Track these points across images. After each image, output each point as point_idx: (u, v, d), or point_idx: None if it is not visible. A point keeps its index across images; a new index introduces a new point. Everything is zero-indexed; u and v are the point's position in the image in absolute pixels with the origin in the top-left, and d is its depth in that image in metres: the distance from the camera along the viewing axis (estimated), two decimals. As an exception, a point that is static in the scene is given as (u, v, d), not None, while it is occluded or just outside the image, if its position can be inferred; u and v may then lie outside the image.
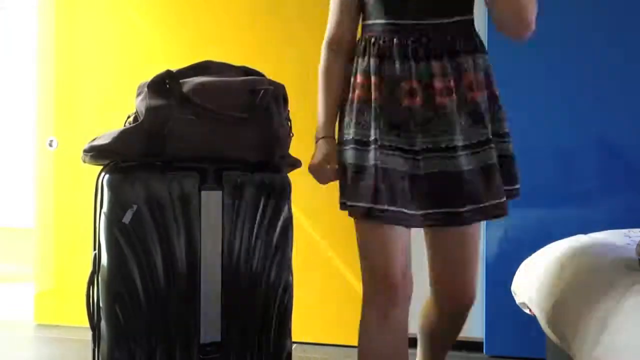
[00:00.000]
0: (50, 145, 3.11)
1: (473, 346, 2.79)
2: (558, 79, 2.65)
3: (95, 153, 1.57)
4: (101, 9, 3.09)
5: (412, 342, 2.83)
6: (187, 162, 1.60)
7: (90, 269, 1.59)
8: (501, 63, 2.68)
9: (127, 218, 1.51)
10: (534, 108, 2.66)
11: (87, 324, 1.60)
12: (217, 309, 1.62)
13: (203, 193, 1.60)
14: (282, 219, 1.70)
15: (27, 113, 4.29)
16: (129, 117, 1.67)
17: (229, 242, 1.63)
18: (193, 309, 1.59)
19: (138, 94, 1.63)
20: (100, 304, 1.55)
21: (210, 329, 1.61)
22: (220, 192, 1.62)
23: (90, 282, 1.59)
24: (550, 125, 2.66)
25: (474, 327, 2.81)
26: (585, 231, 1.98)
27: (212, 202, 1.61)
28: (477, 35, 1.54)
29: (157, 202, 1.54)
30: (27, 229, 3.85)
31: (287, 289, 1.72)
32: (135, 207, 1.52)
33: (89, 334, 1.62)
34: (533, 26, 1.43)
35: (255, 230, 1.66)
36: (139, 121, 1.57)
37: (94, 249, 1.59)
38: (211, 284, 1.61)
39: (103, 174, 1.58)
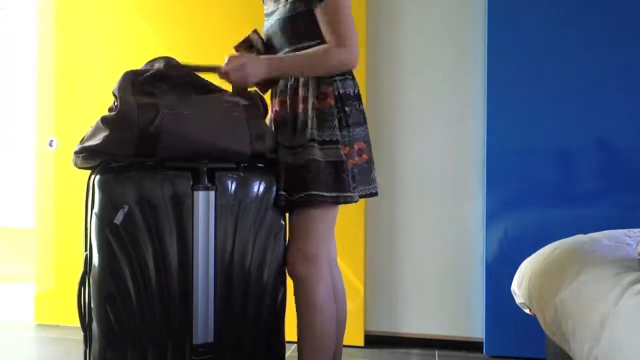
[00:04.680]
0: (50, 145, 3.11)
1: (473, 346, 2.80)
2: (558, 79, 2.66)
3: (87, 154, 1.55)
4: (101, 10, 3.10)
5: (418, 343, 2.86)
6: (179, 160, 1.58)
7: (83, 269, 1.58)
8: (501, 64, 2.70)
9: (118, 219, 1.49)
10: (534, 108, 2.66)
11: (87, 324, 1.60)
12: (210, 310, 1.61)
13: (195, 193, 1.59)
14: (274, 219, 1.70)
15: (27, 113, 4.29)
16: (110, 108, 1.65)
17: (221, 242, 1.62)
18: (186, 309, 1.58)
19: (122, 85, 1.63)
20: (92, 305, 1.54)
21: (203, 329, 1.60)
22: (212, 192, 1.61)
23: (82, 283, 1.57)
24: (550, 125, 2.66)
25: (474, 327, 2.81)
26: (585, 231, 1.98)
27: (204, 202, 1.60)
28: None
29: (149, 202, 1.53)
30: (27, 229, 3.86)
31: (281, 289, 1.71)
32: (126, 207, 1.50)
33: (87, 335, 1.62)
34: (349, 61, 1.71)
35: (248, 230, 1.65)
36: (120, 112, 1.55)
37: (85, 250, 1.58)
38: (204, 285, 1.60)
39: (94, 174, 1.56)
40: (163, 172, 1.56)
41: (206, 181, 1.60)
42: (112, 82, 1.68)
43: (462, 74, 2.83)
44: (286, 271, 1.74)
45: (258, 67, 1.68)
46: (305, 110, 1.72)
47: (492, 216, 2.70)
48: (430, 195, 2.83)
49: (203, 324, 1.60)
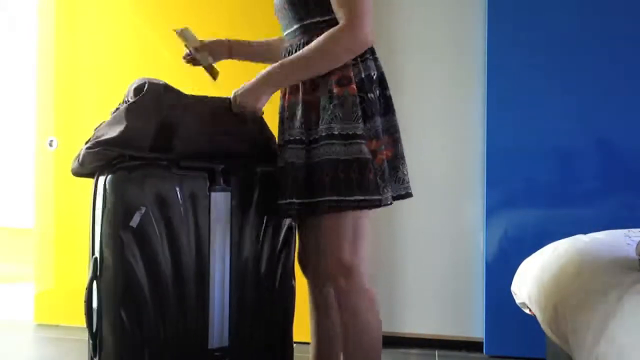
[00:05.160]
0: (50, 145, 3.11)
1: (473, 346, 2.79)
2: (558, 79, 2.65)
3: (102, 148, 1.48)
4: (101, 10, 3.09)
5: (418, 343, 2.85)
6: (195, 157, 1.55)
7: (89, 272, 1.52)
8: (502, 63, 2.70)
9: (134, 221, 1.44)
10: (534, 108, 2.66)
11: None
12: (226, 314, 1.59)
13: (213, 194, 1.55)
14: (287, 222, 1.68)
15: (27, 113, 4.29)
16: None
17: (236, 245, 1.59)
18: (202, 313, 1.55)
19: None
20: (103, 310, 1.48)
21: (218, 333, 1.58)
22: (228, 194, 1.58)
23: (90, 288, 1.51)
24: (550, 125, 2.65)
25: (474, 327, 2.81)
26: (585, 231, 1.98)
27: (221, 204, 1.56)
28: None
29: (165, 203, 1.48)
30: (27, 229, 3.85)
31: (290, 294, 1.70)
32: (143, 209, 1.45)
33: (88, 334, 1.61)
34: (357, 45, 1.48)
35: (262, 233, 1.63)
36: (149, 90, 1.52)
37: (93, 253, 1.52)
38: (220, 288, 1.57)
39: (105, 174, 1.50)
40: (178, 172, 1.51)
41: (222, 182, 1.57)
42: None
43: (462, 72, 2.83)
44: (295, 274, 1.72)
45: (257, 94, 1.54)
46: (315, 98, 1.53)
47: (492, 216, 2.70)
48: (430, 194, 2.83)
49: (219, 327, 1.58)
